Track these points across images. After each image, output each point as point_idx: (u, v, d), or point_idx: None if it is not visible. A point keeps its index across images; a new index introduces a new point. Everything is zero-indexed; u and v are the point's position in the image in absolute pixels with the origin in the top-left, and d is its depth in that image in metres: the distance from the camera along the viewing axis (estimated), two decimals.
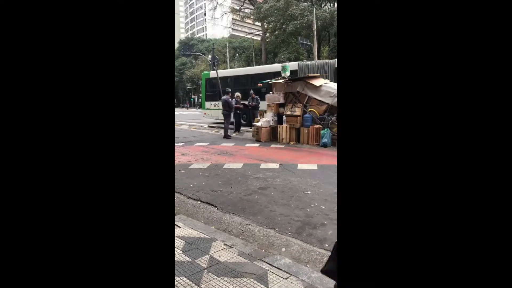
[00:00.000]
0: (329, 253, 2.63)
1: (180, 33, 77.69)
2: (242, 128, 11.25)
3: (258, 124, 9.11)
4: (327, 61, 11.57)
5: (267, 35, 27.94)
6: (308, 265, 2.44)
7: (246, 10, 30.57)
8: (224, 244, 2.68)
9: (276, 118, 9.20)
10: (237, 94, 10.88)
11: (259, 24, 28.80)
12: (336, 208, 3.62)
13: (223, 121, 10.18)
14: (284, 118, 8.80)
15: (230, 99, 10.00)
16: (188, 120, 18.10)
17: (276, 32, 26.36)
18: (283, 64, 10.14)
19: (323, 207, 3.69)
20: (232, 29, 34.08)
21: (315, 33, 19.87)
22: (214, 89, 13.89)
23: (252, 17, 29.12)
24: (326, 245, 2.79)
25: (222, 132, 9.94)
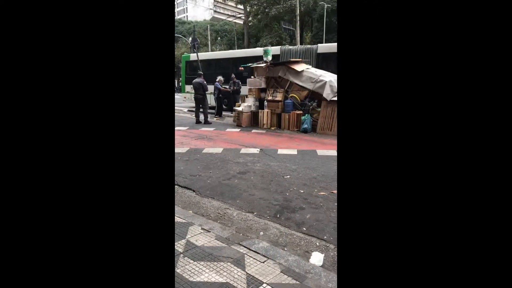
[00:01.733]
0: (307, 237, 2.67)
1: None
2: (223, 113, 11.11)
3: (239, 108, 9.00)
4: (309, 46, 11.48)
5: (250, 18, 27.41)
6: (285, 248, 2.44)
7: None
8: (202, 229, 2.64)
9: (257, 103, 9.11)
10: (219, 78, 10.66)
11: (242, 7, 28.16)
12: (314, 192, 3.65)
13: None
14: (266, 103, 8.73)
15: (205, 82, 9.73)
16: None
17: (259, 16, 25.89)
18: (265, 48, 9.96)
19: (302, 191, 3.71)
20: (214, 11, 33.14)
21: (298, 18, 19.65)
22: (195, 72, 13.56)
23: None
24: (304, 228, 2.80)
25: (192, 116, 9.52)
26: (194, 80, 9.66)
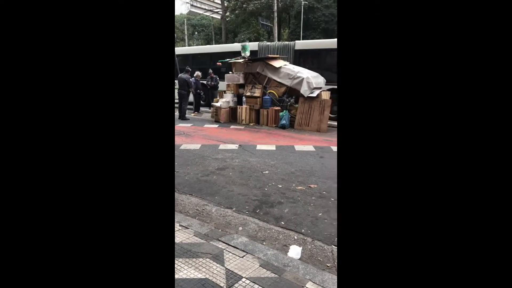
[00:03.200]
0: (285, 231, 2.70)
1: None
2: (201, 108, 10.96)
3: (218, 104, 8.92)
4: (287, 42, 11.54)
5: (228, 13, 27.15)
6: (264, 243, 2.46)
7: None
8: (180, 225, 2.61)
9: (235, 99, 9.07)
10: (197, 73, 10.48)
11: (219, 1, 27.81)
12: (292, 187, 3.70)
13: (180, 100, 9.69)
14: (244, 99, 8.71)
15: (191, 78, 9.60)
16: None
17: (237, 11, 25.70)
18: (243, 43, 9.91)
19: (280, 186, 3.74)
20: (191, 5, 32.58)
21: (275, 14, 19.69)
22: None
23: None
24: (282, 222, 2.84)
25: (177, 112, 9.48)
26: (179, 75, 9.46)
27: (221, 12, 27.08)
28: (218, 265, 2.05)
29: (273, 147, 5.78)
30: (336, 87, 8.84)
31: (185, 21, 32.81)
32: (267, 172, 4.28)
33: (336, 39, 10.79)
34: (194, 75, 10.28)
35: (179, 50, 13.57)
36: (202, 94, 10.51)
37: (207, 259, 2.11)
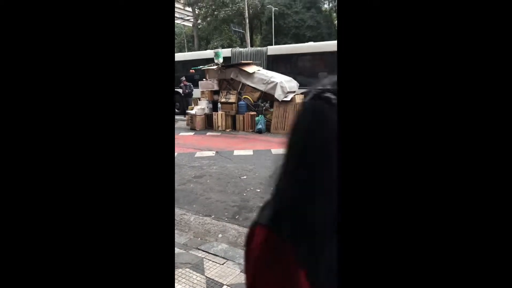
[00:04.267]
0: None
1: None
2: (176, 117, 10.81)
3: (193, 112, 8.82)
4: (260, 48, 11.66)
5: (199, 21, 27.08)
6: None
7: None
8: None
9: (211, 106, 9.01)
10: None
11: (190, 9, 27.71)
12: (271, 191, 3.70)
13: None
14: (219, 105, 8.67)
15: None
16: None
17: (208, 18, 25.69)
18: (216, 50, 9.90)
19: (259, 190, 3.74)
20: None
21: (247, 21, 19.89)
22: None
23: (182, 1, 27.87)
24: None
25: None
26: None
27: (192, 20, 26.99)
28: (198, 274, 2.00)
29: (250, 152, 5.78)
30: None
31: None
32: (245, 177, 4.27)
33: (307, 44, 11.06)
34: None
35: None
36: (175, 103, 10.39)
37: (187, 269, 2.06)
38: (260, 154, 5.60)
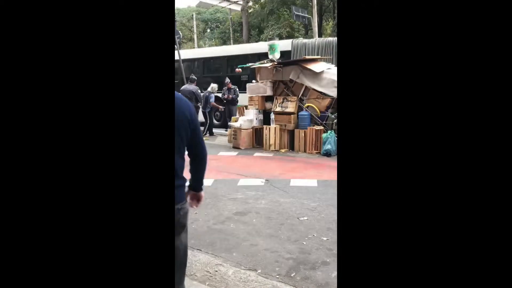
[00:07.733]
0: None
1: None
2: (215, 130, 11.19)
3: (237, 124, 9.07)
4: (331, 39, 11.71)
5: (250, 3, 28.18)
6: None
7: None
8: None
9: (261, 117, 9.19)
10: (213, 85, 10.76)
11: None
12: None
13: None
14: (272, 116, 8.80)
15: (199, 90, 9.89)
16: None
17: (262, 0, 26.62)
18: (271, 42, 10.17)
19: (325, 238, 3.66)
20: None
21: (315, 2, 20.17)
22: (176, 76, 13.81)
23: None
24: None
25: None
26: (183, 87, 9.83)
27: (241, 3, 28.14)
28: None
29: (314, 183, 5.73)
30: None
31: (194, 16, 34.37)
32: (305, 218, 4.23)
33: None
34: (210, 87, 10.56)
35: (185, 53, 14.12)
36: (219, 110, 10.80)
37: None
38: (327, 186, 5.52)
